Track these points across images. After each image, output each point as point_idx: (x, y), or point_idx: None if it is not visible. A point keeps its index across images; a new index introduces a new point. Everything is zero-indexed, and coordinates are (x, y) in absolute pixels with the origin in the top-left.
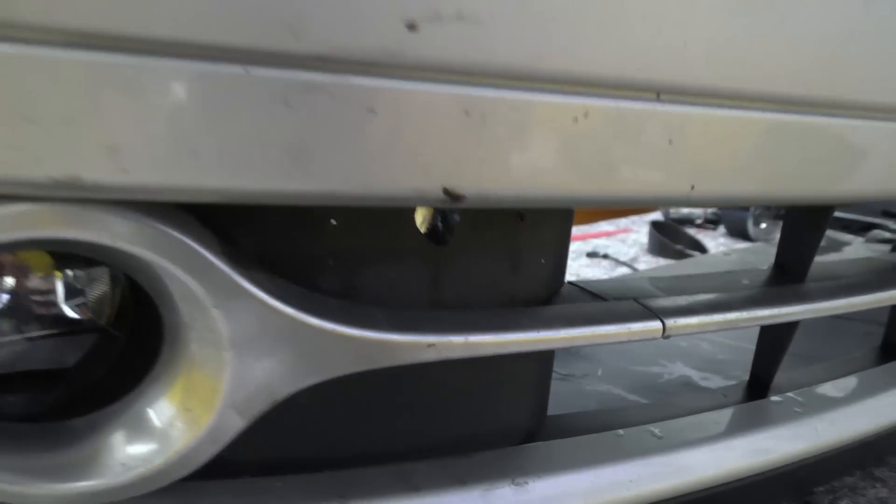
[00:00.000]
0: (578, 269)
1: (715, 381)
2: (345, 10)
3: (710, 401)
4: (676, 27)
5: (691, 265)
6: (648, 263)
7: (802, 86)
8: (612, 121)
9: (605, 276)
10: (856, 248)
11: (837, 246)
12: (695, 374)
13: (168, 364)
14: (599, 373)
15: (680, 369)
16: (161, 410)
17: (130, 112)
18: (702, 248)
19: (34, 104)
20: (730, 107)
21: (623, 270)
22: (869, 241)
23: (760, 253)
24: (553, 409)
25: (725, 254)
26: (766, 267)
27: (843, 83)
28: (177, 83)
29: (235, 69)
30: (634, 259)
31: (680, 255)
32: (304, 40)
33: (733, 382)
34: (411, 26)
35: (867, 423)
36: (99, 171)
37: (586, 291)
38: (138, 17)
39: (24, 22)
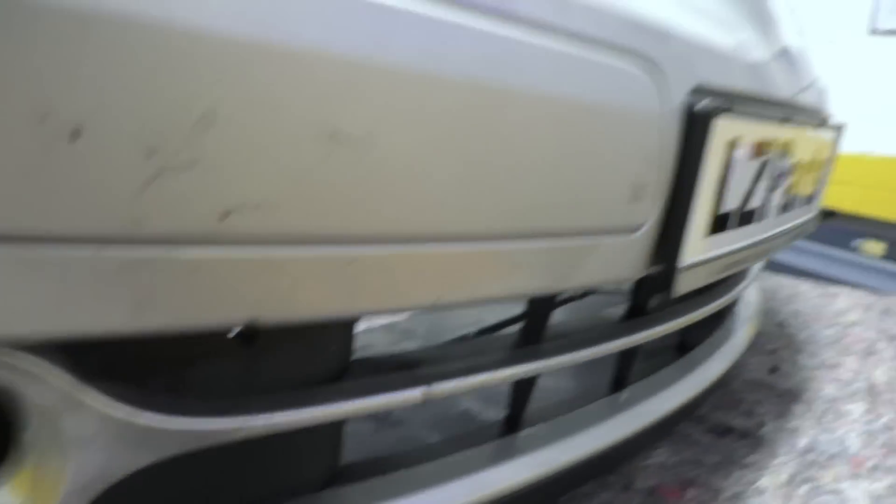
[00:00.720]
0: None
1: (490, 413)
2: (177, 204)
3: (475, 439)
4: (404, 200)
5: None
6: None
7: (506, 224)
8: (374, 263)
9: None
10: None
11: None
12: (475, 406)
13: (16, 460)
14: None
15: (466, 403)
16: (9, 499)
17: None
18: None
19: None
20: (452, 242)
21: None
22: None
23: None
24: (355, 448)
25: None
26: None
27: (536, 220)
28: (44, 268)
29: (88, 250)
30: None
31: None
32: (144, 228)
33: (504, 414)
34: (224, 214)
35: (596, 443)
36: None
37: (369, 365)
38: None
39: None
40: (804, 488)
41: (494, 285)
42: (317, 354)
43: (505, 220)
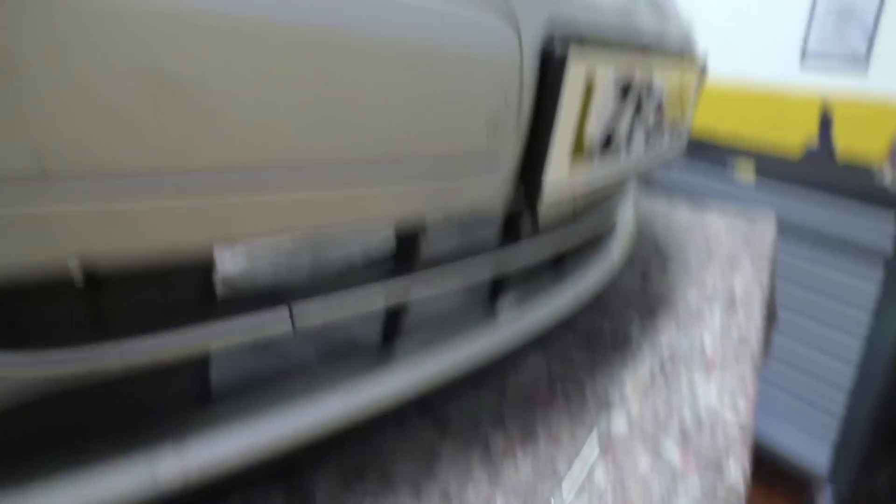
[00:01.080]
0: None
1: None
2: None
3: (349, 356)
4: None
5: None
6: None
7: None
8: (217, 198)
9: None
10: None
11: None
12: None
13: None
14: None
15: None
16: None
17: None
18: None
19: None
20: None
21: None
22: None
23: None
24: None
25: None
26: None
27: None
28: None
29: None
30: None
31: None
32: None
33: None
34: (37, 155)
35: (472, 354)
36: None
37: (235, 299)
38: None
39: None
40: (660, 381)
41: (354, 216)
42: (172, 294)
43: (361, 163)
